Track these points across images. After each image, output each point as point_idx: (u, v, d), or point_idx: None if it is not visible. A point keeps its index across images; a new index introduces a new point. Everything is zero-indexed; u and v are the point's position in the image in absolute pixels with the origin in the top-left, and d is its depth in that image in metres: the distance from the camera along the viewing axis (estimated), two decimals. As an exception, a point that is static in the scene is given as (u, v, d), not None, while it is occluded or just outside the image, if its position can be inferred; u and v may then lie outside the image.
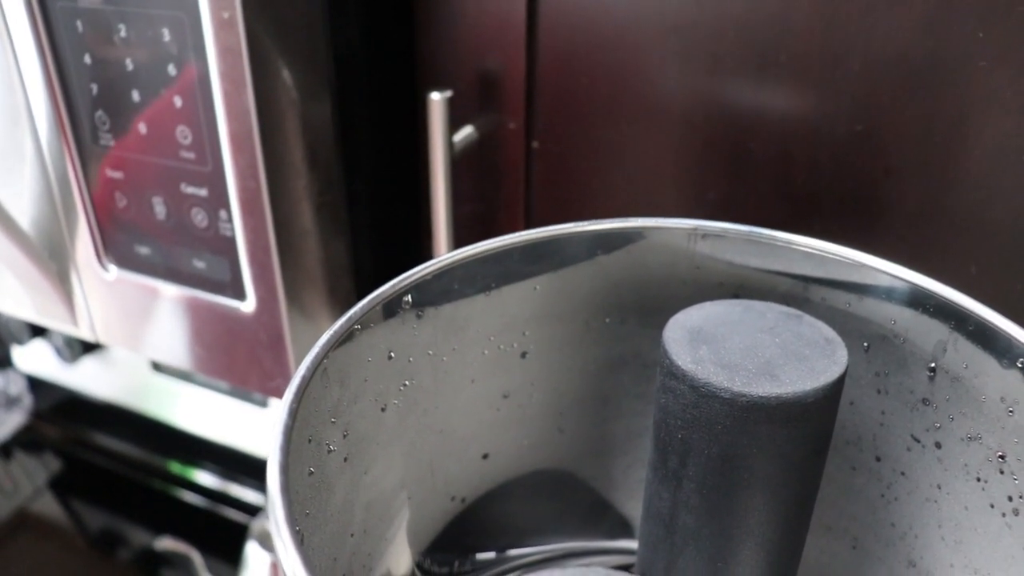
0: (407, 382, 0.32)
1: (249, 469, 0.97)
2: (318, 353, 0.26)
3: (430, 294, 0.32)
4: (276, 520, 0.20)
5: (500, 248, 0.32)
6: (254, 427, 0.95)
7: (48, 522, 0.99)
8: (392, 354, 0.31)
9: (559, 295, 0.35)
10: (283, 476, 0.21)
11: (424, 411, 0.34)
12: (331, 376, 0.28)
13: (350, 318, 0.28)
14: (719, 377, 0.29)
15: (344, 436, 0.29)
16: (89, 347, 1.00)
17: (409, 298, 0.31)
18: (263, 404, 0.93)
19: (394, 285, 0.30)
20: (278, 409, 0.23)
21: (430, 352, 0.33)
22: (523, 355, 0.36)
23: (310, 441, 0.27)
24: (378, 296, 0.29)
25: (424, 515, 0.36)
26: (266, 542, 0.87)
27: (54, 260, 0.48)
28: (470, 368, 0.35)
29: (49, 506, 1.01)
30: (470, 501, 0.38)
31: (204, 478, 1.01)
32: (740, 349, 0.30)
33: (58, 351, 1.02)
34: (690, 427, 0.30)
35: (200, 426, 0.99)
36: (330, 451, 0.28)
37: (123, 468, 1.04)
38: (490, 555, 0.40)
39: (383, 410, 0.31)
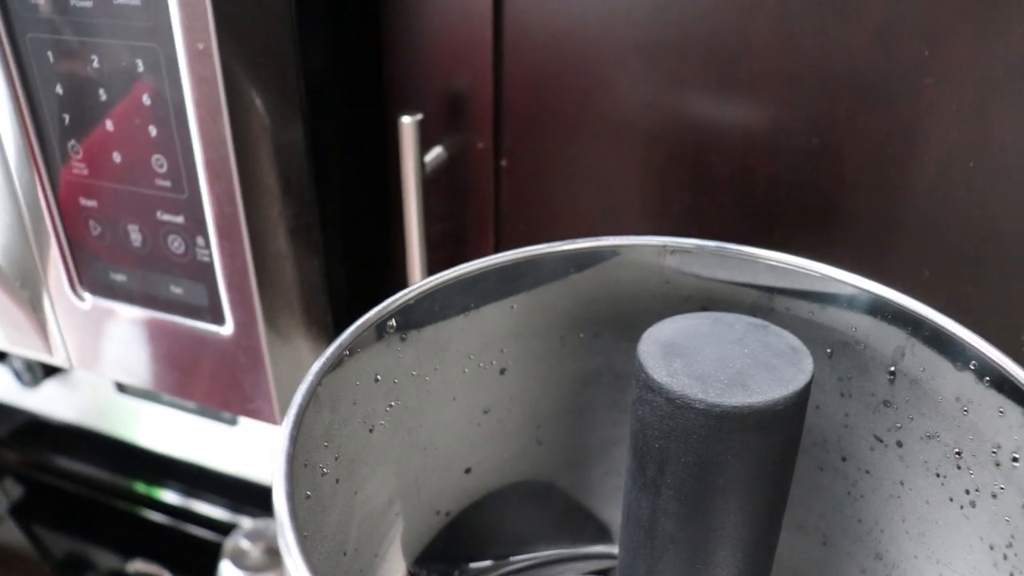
0: (393, 403, 0.33)
1: (219, 488, 0.97)
2: (312, 380, 0.27)
3: (413, 317, 0.32)
4: (287, 544, 0.21)
5: (479, 270, 0.33)
6: (223, 445, 0.95)
7: (11, 551, 0.98)
8: (378, 377, 0.32)
9: (535, 312, 0.36)
10: (290, 503, 0.22)
11: (409, 430, 0.35)
12: (323, 401, 0.28)
13: (340, 344, 0.29)
14: (693, 389, 0.30)
15: (336, 459, 0.30)
16: (51, 371, 0.99)
17: (394, 322, 0.32)
18: (232, 422, 0.93)
19: (380, 310, 0.31)
20: (279, 437, 0.24)
21: (414, 373, 0.34)
22: (502, 371, 0.37)
23: (305, 466, 0.28)
24: (366, 321, 0.30)
25: (411, 530, 0.37)
26: (239, 561, 0.87)
27: (26, 288, 0.48)
28: (452, 386, 0.36)
29: (12, 534, 1.00)
30: (454, 515, 0.39)
31: (173, 498, 1.00)
32: (712, 361, 0.31)
33: (17, 375, 1.00)
34: (667, 437, 0.31)
35: (168, 446, 0.99)
36: (324, 474, 0.29)
37: (90, 491, 1.03)
38: (474, 566, 0.41)
39: (371, 431, 0.32)
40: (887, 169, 0.40)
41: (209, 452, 0.97)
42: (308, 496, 0.28)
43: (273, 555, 0.87)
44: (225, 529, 0.94)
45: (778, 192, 0.42)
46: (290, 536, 0.21)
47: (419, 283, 0.32)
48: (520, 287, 0.35)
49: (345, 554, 0.32)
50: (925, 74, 0.37)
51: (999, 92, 0.37)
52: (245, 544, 0.87)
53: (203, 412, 0.94)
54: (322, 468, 0.29)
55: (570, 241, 0.35)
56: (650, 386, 0.31)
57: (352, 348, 0.30)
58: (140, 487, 1.02)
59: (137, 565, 0.90)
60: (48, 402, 1.04)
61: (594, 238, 0.35)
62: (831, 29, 0.38)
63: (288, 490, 0.22)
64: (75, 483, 1.04)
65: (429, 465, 0.37)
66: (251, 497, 0.96)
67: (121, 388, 0.97)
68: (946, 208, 0.40)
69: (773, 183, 0.42)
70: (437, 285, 0.32)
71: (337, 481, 0.30)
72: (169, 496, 1.01)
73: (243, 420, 0.92)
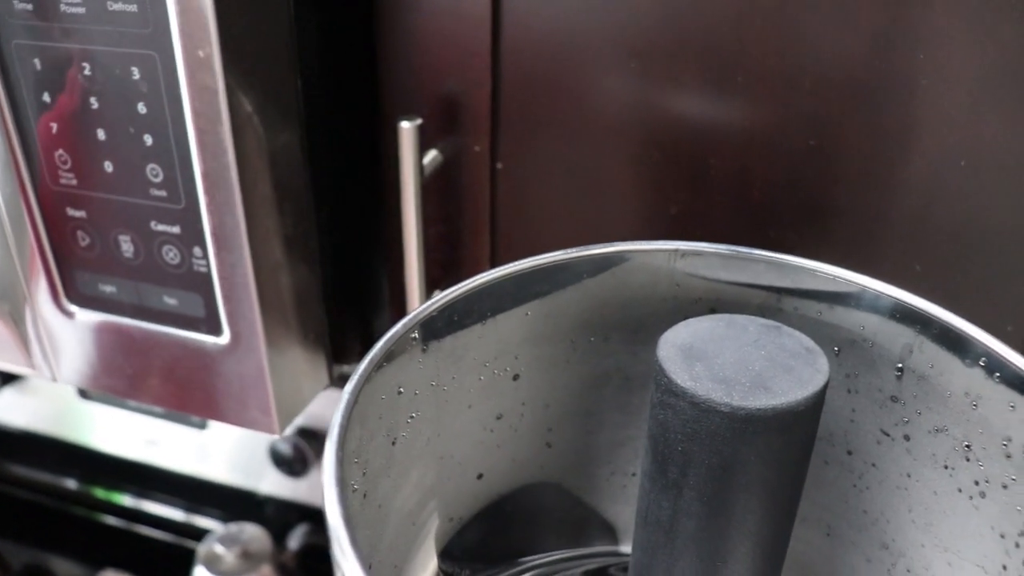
0: (413, 414, 0.33)
1: (190, 493, 0.95)
2: (349, 398, 0.27)
3: (433, 328, 0.32)
4: (351, 571, 0.21)
5: (498, 279, 0.33)
6: (192, 449, 0.94)
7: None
8: (401, 389, 0.32)
9: (548, 318, 0.36)
10: (349, 529, 0.22)
11: (427, 440, 0.35)
12: (354, 417, 0.28)
13: (371, 360, 0.28)
14: (718, 392, 0.30)
15: (363, 474, 0.30)
16: (9, 378, 0.96)
17: (416, 334, 0.32)
18: (201, 426, 0.91)
19: (406, 324, 0.30)
20: (326, 464, 0.24)
21: (433, 383, 0.34)
22: (515, 378, 0.37)
23: (341, 484, 0.27)
24: (392, 336, 0.30)
25: (426, 539, 0.37)
26: (213, 566, 0.86)
27: (5, 300, 0.47)
28: (468, 394, 0.36)
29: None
30: (465, 520, 0.39)
31: (141, 505, 0.98)
32: (732, 363, 0.32)
33: (-28, 384, 0.97)
34: (690, 440, 0.31)
35: (134, 451, 0.97)
36: (354, 490, 0.29)
37: (54, 501, 1.00)
38: (483, 569, 0.41)
39: (393, 443, 0.32)
40: (881, 168, 0.41)
41: (177, 457, 0.95)
42: (343, 514, 0.28)
43: (247, 560, 0.87)
44: (196, 534, 0.93)
45: (774, 192, 0.43)
46: (355, 565, 0.21)
47: (442, 294, 0.32)
48: (535, 294, 0.35)
49: (371, 567, 0.32)
50: (920, 76, 0.38)
51: (991, 93, 0.38)
52: (219, 549, 0.86)
53: (170, 416, 0.92)
54: (352, 485, 0.29)
55: (584, 248, 0.35)
56: (672, 390, 0.31)
57: (379, 363, 0.30)
58: (105, 494, 1.00)
59: (108, 575, 0.88)
60: (6, 409, 1.01)
61: (608, 244, 0.35)
62: (827, 32, 0.39)
63: (345, 516, 0.22)
64: (37, 492, 1.01)
65: (444, 473, 0.37)
66: (223, 501, 0.95)
67: (83, 394, 0.95)
68: (938, 205, 0.41)
69: (769, 184, 0.43)
70: (459, 295, 0.32)
71: (365, 496, 0.30)
72: (137, 503, 0.99)
73: (212, 423, 0.91)
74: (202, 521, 0.96)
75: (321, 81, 0.42)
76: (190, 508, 0.96)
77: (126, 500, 0.99)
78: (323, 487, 0.23)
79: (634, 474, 0.42)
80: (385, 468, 0.32)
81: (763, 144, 0.42)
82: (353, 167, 0.47)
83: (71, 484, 1.01)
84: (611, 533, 0.44)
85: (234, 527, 0.88)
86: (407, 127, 0.42)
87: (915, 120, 0.39)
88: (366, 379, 0.28)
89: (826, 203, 0.42)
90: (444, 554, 0.38)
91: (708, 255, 0.36)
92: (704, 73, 0.41)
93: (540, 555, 0.43)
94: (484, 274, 0.33)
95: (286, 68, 0.40)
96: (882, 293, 0.34)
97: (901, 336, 0.34)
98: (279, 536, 0.89)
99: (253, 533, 0.88)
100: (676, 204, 0.44)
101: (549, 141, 0.45)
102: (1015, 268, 0.41)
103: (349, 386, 0.27)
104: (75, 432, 0.99)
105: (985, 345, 0.31)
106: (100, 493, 1.00)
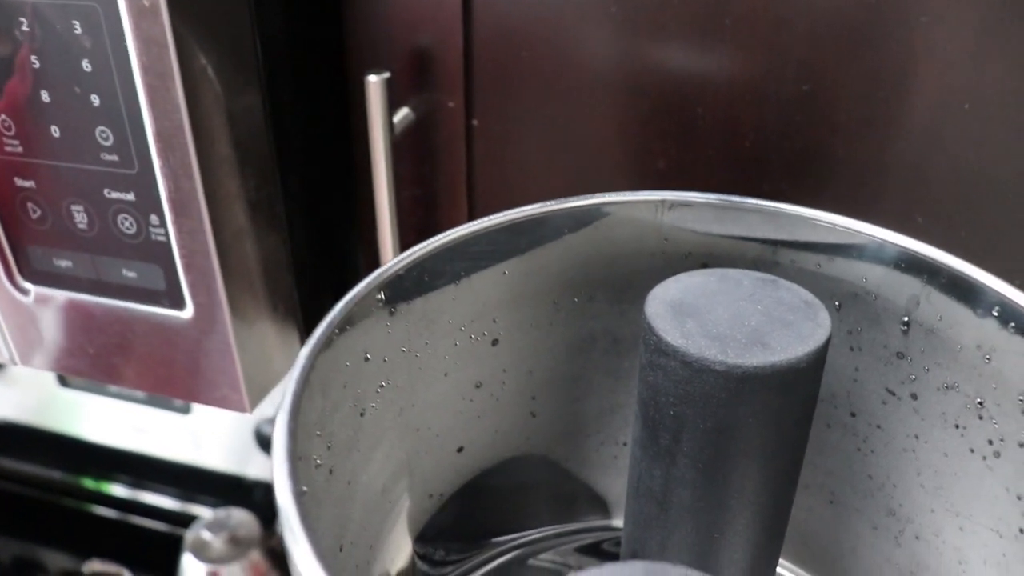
0: (384, 383, 0.31)
1: (175, 479, 0.93)
2: (305, 364, 0.24)
3: (401, 289, 0.30)
4: (302, 555, 0.19)
5: (470, 235, 0.31)
6: (176, 435, 0.91)
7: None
8: (368, 355, 0.29)
9: (527, 277, 0.34)
10: (299, 506, 0.19)
11: (400, 411, 0.32)
12: (314, 387, 0.26)
13: (330, 322, 0.26)
14: (711, 350, 0.28)
15: (328, 448, 0.28)
16: (-14, 367, 0.94)
17: (382, 295, 0.29)
18: (184, 410, 0.89)
19: (368, 284, 0.28)
20: (276, 436, 0.22)
21: (404, 349, 0.31)
22: (494, 343, 0.35)
23: (300, 459, 0.25)
24: (353, 297, 0.28)
25: (405, 517, 0.35)
26: (201, 553, 0.84)
27: (-43, 281, 0.44)
28: (443, 362, 0.33)
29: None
30: (447, 496, 0.37)
31: (126, 493, 0.96)
32: (726, 320, 0.29)
33: (-51, 374, 0.95)
34: (683, 403, 0.29)
35: (117, 438, 0.95)
36: (317, 465, 0.27)
37: (37, 492, 0.98)
38: (470, 547, 0.39)
39: (362, 415, 0.30)
40: (879, 114, 0.38)
41: (162, 442, 0.93)
42: (304, 491, 0.25)
43: (236, 545, 0.84)
44: (184, 521, 0.91)
45: (767, 142, 0.40)
46: (306, 547, 0.18)
47: (407, 252, 0.29)
48: (512, 251, 0.33)
49: (342, 549, 0.29)
50: (919, 13, 0.36)
51: (996, 32, 0.35)
52: (206, 535, 0.84)
53: (153, 401, 0.90)
54: (316, 459, 0.27)
55: (563, 200, 0.33)
56: (663, 350, 0.29)
57: (341, 326, 0.27)
58: (90, 483, 0.98)
59: (94, 565, 0.86)
60: (-16, 401, 0.98)
61: (589, 196, 0.33)
62: (821, -33, 0.36)
63: (295, 492, 0.20)
64: (21, 484, 0.99)
65: (421, 447, 0.34)
66: (209, 486, 0.93)
67: (64, 382, 0.93)
68: (940, 153, 0.38)
69: (761, 133, 0.40)
70: (426, 253, 0.30)
71: (331, 472, 0.28)
72: (122, 491, 0.97)
73: (196, 407, 0.89)
74: (190, 507, 0.94)
75: (282, 32, 0.40)
76: (177, 495, 0.94)
77: (112, 488, 0.97)
78: (272, 463, 0.21)
79: (625, 443, 0.40)
80: (353, 441, 0.30)
81: (754, 91, 0.39)
82: (321, 128, 0.45)
83: (56, 474, 0.99)
84: (602, 506, 0.42)
85: (222, 512, 0.86)
86: (374, 81, 0.39)
87: (915, 62, 0.37)
88: (325, 343, 0.26)
89: (821, 152, 0.40)
90: (423, 533, 0.36)
91: (698, 206, 0.34)
92: (690, 17, 0.38)
93: (528, 531, 0.40)
94: (455, 230, 0.31)
95: (243, 16, 0.37)
96: (886, 241, 0.31)
97: (907, 287, 0.31)
98: (268, 520, 0.87)
99: (241, 518, 0.85)
100: (663, 158, 0.42)
101: (527, 94, 0.42)
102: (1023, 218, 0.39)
103: (305, 351, 0.25)
104: (58, 422, 0.97)
105: (998, 293, 0.29)
106: (84, 482, 0.98)
